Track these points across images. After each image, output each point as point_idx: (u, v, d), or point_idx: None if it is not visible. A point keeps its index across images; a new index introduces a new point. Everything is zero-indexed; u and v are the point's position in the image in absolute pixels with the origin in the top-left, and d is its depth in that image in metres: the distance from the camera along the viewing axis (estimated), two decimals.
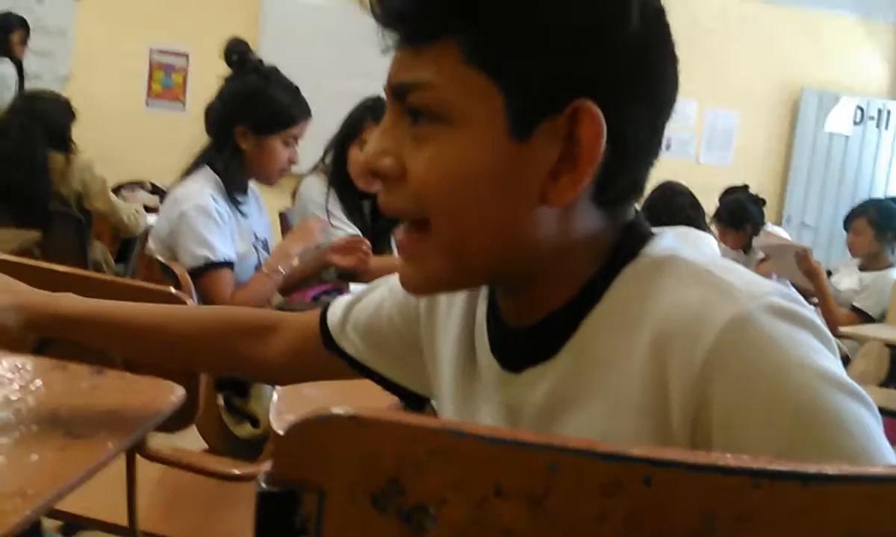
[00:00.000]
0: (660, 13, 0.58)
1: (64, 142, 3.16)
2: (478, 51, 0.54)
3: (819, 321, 0.52)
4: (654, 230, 0.62)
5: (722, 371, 0.49)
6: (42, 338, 1.10)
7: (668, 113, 0.59)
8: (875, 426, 0.49)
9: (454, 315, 0.71)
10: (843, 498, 0.40)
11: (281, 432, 1.19)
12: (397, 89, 0.58)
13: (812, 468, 0.41)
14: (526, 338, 0.61)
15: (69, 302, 0.84)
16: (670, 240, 0.60)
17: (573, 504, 0.40)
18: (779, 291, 0.52)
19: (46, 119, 3.13)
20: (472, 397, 0.67)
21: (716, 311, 0.50)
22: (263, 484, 0.42)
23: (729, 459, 0.40)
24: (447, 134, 0.55)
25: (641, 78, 0.56)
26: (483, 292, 0.68)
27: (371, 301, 0.82)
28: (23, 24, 4.41)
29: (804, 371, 0.48)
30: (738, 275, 0.53)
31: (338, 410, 0.41)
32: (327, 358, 0.83)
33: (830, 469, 0.41)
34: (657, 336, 0.52)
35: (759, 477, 0.40)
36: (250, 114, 1.91)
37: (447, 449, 0.41)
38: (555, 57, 0.54)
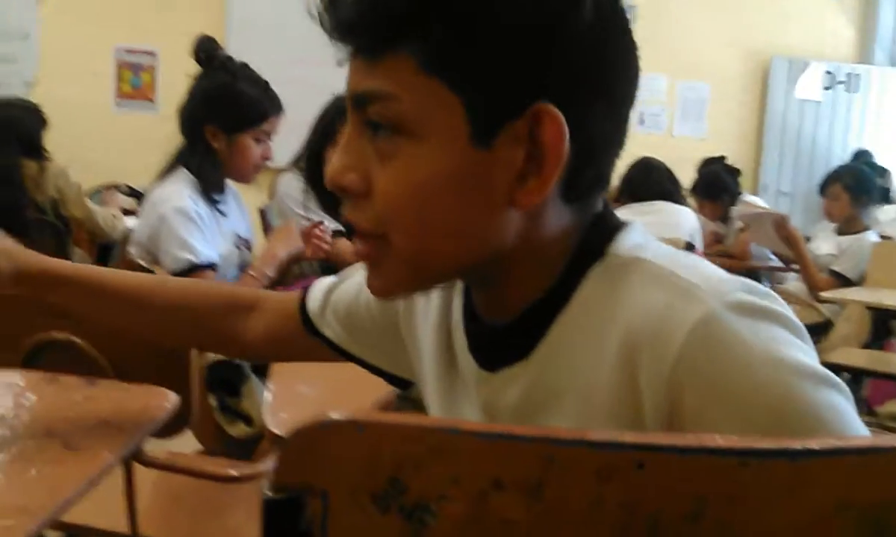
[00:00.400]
0: (614, 1, 0.57)
1: (37, 150, 3.12)
2: (433, 60, 0.53)
3: (787, 310, 0.53)
4: (622, 218, 0.62)
5: (692, 373, 0.50)
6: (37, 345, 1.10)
7: (631, 102, 0.59)
8: (848, 408, 0.50)
9: (432, 308, 0.71)
10: (829, 472, 0.42)
11: (276, 430, 1.20)
12: (356, 99, 0.57)
13: (798, 444, 0.42)
14: (500, 338, 0.62)
15: (59, 262, 0.85)
16: (637, 234, 0.60)
17: (570, 492, 0.41)
18: (744, 286, 0.53)
19: (18, 127, 3.09)
20: (454, 395, 0.67)
21: (683, 314, 0.51)
22: (268, 492, 0.43)
23: (718, 440, 0.42)
24: (410, 146, 0.55)
25: (600, 72, 0.56)
26: (458, 287, 0.68)
27: (350, 286, 0.82)
28: None
29: (774, 365, 0.49)
30: (703, 273, 0.53)
31: (336, 415, 0.42)
32: (307, 341, 0.83)
33: (816, 444, 0.42)
34: (626, 341, 0.53)
35: (747, 457, 0.41)
36: (219, 113, 1.90)
37: (445, 447, 0.42)
38: (510, 61, 0.53)
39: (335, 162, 0.59)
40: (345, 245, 2.17)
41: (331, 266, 2.19)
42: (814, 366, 0.50)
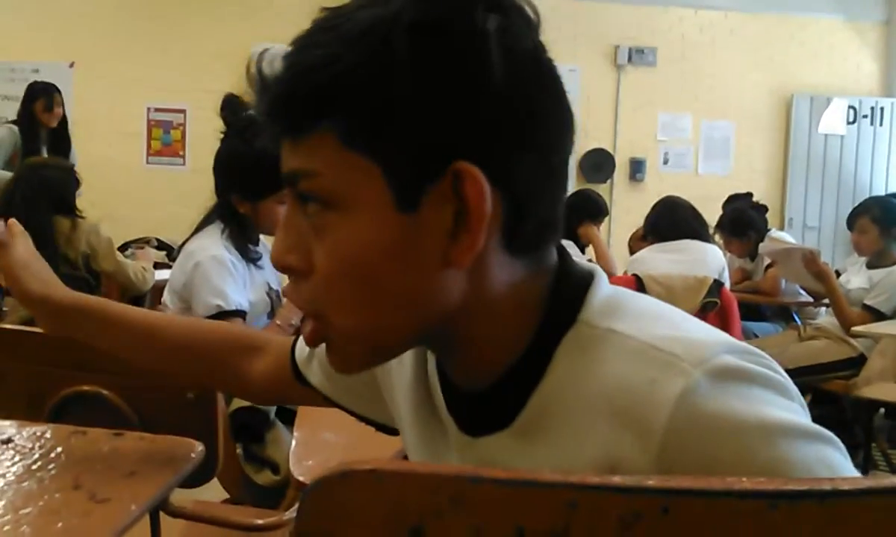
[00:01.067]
0: (534, 51, 0.57)
1: (70, 208, 3.20)
2: (352, 136, 0.55)
3: (770, 368, 0.52)
4: (584, 268, 0.61)
5: (681, 449, 0.49)
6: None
7: (564, 149, 0.58)
8: (841, 459, 0.50)
9: (407, 362, 0.70)
10: (860, 513, 0.40)
11: (301, 478, 1.19)
12: (287, 177, 0.59)
13: (827, 485, 0.41)
14: (476, 405, 0.61)
15: (84, 296, 0.91)
16: (604, 288, 0.59)
17: None
18: (726, 347, 0.52)
19: (52, 186, 3.17)
20: (436, 447, 0.66)
21: (664, 390, 0.50)
22: None
23: (745, 483, 0.41)
24: (340, 220, 0.56)
25: (520, 124, 0.55)
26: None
27: None
28: (45, 92, 4.42)
29: (760, 430, 0.48)
30: (682, 340, 0.53)
31: (356, 465, 0.42)
32: (299, 387, 0.84)
33: (846, 484, 0.41)
34: (608, 418, 0.52)
35: (776, 499, 0.40)
36: (239, 183, 1.93)
37: (467, 496, 0.42)
38: (423, 127, 0.54)
39: (276, 243, 0.60)
40: None
41: None
42: (800, 423, 0.49)
